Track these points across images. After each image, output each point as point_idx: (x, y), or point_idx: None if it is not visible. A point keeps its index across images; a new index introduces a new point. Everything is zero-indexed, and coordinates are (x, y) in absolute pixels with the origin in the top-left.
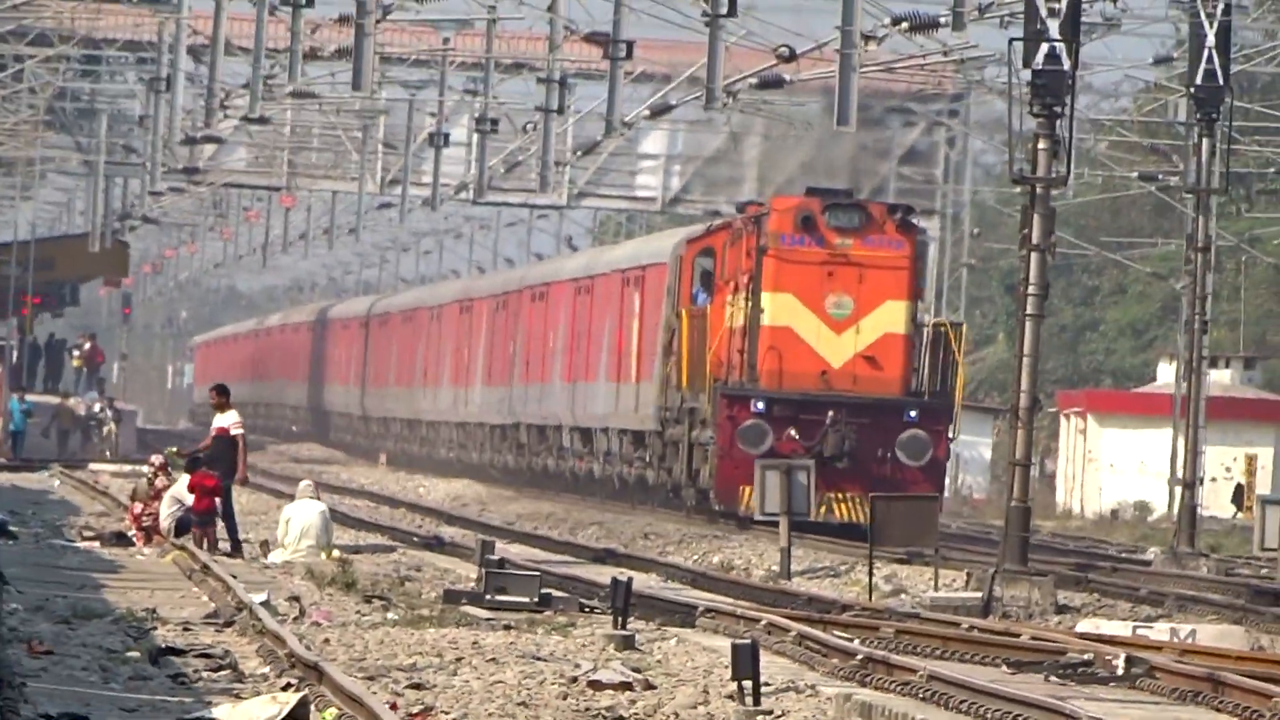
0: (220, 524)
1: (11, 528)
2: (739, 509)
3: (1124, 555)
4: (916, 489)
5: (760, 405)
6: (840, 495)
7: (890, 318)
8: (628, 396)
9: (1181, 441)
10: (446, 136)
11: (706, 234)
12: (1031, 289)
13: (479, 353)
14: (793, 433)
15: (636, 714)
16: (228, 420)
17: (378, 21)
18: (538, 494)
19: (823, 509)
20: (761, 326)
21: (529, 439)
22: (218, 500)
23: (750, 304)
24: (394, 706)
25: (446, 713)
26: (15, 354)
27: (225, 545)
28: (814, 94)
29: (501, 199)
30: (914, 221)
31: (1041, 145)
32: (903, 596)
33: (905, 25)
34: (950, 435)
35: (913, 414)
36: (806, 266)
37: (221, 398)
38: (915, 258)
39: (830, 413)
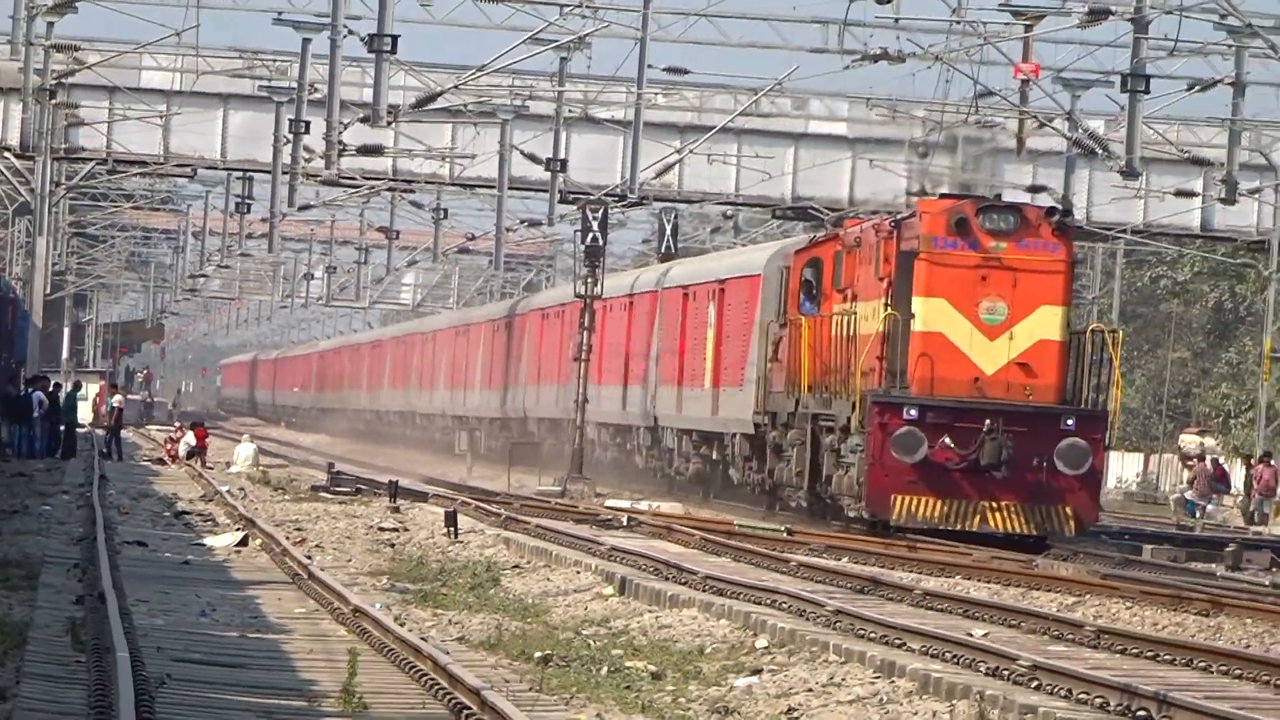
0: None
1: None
2: (890, 518)
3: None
4: (1074, 499)
5: (913, 413)
6: (995, 504)
7: (1045, 323)
8: (699, 401)
9: None
10: None
11: (811, 245)
12: None
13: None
14: (947, 440)
15: (401, 542)
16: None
17: None
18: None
19: (977, 519)
20: (912, 332)
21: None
22: (197, 442)
23: (896, 309)
24: (288, 538)
25: (313, 541)
26: None
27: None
28: None
29: None
30: (1070, 224)
31: None
32: (524, 489)
33: None
34: (1106, 444)
35: (1070, 422)
36: (960, 270)
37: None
38: (1071, 261)
39: (987, 421)
